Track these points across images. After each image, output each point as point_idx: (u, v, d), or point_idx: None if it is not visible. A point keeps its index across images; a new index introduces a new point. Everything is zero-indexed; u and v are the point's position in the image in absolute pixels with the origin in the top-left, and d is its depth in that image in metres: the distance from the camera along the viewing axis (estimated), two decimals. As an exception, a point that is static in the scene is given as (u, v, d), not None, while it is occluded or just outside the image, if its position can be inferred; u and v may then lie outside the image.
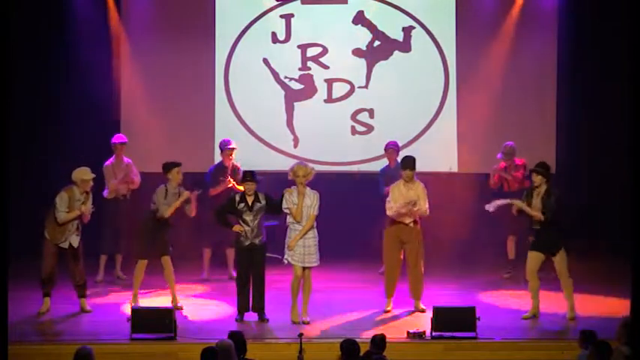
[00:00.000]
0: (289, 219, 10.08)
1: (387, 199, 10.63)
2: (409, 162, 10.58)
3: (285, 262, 10.13)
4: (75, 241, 10.46)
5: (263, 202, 10.19)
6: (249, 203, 10.17)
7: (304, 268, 10.07)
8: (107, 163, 12.22)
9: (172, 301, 10.65)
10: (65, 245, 10.43)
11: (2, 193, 6.99)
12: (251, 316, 10.21)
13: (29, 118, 13.42)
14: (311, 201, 10.03)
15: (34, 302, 10.62)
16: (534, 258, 10.32)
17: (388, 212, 10.55)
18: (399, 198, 10.52)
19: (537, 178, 10.24)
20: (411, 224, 10.57)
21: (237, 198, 10.26)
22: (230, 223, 10.30)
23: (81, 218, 10.46)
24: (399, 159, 11.49)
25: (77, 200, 10.39)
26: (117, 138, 12.46)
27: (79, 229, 10.51)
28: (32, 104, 13.56)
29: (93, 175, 10.49)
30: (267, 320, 10.12)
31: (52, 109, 13.76)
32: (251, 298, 10.24)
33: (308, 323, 9.95)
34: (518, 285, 11.79)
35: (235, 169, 12.13)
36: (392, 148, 12.47)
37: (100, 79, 13.64)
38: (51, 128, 13.69)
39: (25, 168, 13.20)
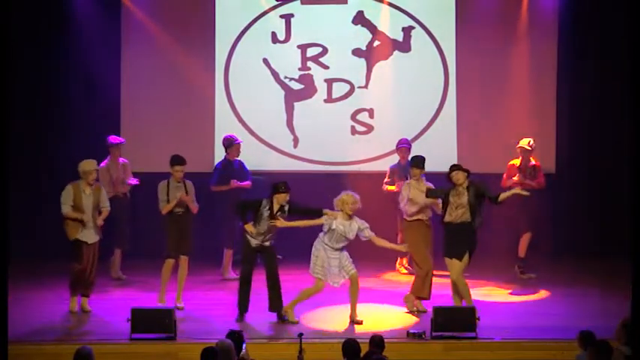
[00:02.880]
0: (326, 239, 10.03)
1: (400, 198, 10.62)
2: (419, 161, 10.60)
3: (326, 281, 10.07)
4: (90, 237, 10.45)
5: (286, 210, 10.16)
6: (274, 212, 10.11)
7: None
8: (102, 164, 12.16)
9: (175, 300, 10.66)
10: (85, 239, 10.40)
11: (2, 193, 6.99)
12: (251, 317, 10.19)
13: (29, 118, 13.40)
14: (358, 224, 10.09)
15: (34, 302, 10.62)
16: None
17: (410, 209, 10.51)
18: (414, 195, 10.51)
19: (461, 176, 9.95)
20: (427, 222, 10.59)
21: (265, 202, 10.15)
22: (246, 219, 10.22)
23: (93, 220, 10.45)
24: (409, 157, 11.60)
25: (84, 193, 10.39)
26: (113, 139, 12.43)
27: (98, 227, 10.50)
28: (32, 104, 13.55)
29: (96, 167, 10.52)
30: (291, 321, 10.04)
31: (52, 109, 13.75)
32: (267, 299, 10.23)
33: (361, 322, 9.97)
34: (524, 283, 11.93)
35: (240, 164, 12.24)
36: (404, 147, 12.51)
37: (99, 79, 13.64)
38: (51, 128, 13.68)
39: (24, 168, 13.17)
